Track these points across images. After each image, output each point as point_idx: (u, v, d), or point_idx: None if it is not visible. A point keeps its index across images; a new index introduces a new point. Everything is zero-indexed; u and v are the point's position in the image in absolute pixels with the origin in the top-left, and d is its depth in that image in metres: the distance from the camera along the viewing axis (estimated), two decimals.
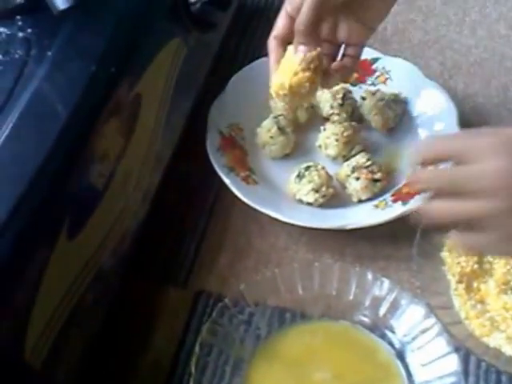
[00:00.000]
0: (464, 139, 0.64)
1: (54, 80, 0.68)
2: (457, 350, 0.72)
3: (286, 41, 0.79)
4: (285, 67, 0.77)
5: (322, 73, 0.78)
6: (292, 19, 0.78)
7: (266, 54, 0.96)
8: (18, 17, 0.72)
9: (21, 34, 0.71)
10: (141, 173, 0.77)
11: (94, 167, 0.68)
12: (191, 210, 0.87)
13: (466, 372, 0.73)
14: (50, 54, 0.69)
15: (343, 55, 0.82)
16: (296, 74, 0.76)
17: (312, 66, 0.76)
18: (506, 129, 0.62)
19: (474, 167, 0.60)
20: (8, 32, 0.71)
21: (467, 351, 0.74)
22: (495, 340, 0.75)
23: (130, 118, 0.74)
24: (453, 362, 0.71)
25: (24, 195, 0.60)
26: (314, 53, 0.76)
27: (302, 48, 0.76)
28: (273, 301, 0.77)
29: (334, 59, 0.82)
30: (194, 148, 0.88)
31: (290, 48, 0.77)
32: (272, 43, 0.81)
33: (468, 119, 0.92)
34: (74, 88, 0.68)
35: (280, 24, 0.80)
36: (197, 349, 0.71)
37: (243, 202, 0.84)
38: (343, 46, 0.81)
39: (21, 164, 0.62)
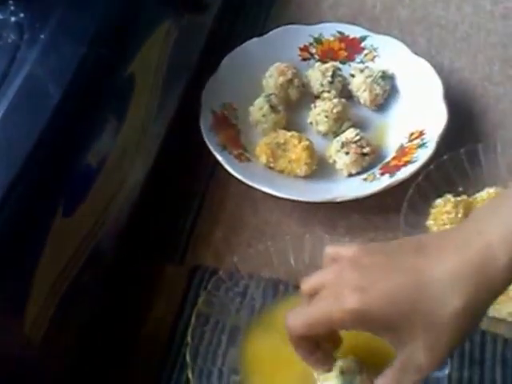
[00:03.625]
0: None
1: (47, 63, 0.69)
2: None
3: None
4: None
5: None
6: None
7: (258, 34, 0.99)
8: (11, 1, 0.73)
9: (13, 19, 0.72)
10: (135, 152, 0.78)
11: (88, 147, 0.69)
12: (186, 188, 0.89)
13: None
14: (42, 37, 0.70)
15: None
16: None
17: None
18: None
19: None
20: (1, 17, 0.72)
21: None
22: None
23: (124, 97, 0.75)
24: None
25: (19, 175, 0.62)
26: None
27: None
28: (266, 273, 0.78)
29: None
30: (189, 127, 0.90)
31: None
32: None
33: (454, 93, 0.94)
34: (66, 70, 0.69)
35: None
36: (193, 319, 0.73)
37: (237, 180, 0.85)
38: None
39: (15, 145, 0.64)
